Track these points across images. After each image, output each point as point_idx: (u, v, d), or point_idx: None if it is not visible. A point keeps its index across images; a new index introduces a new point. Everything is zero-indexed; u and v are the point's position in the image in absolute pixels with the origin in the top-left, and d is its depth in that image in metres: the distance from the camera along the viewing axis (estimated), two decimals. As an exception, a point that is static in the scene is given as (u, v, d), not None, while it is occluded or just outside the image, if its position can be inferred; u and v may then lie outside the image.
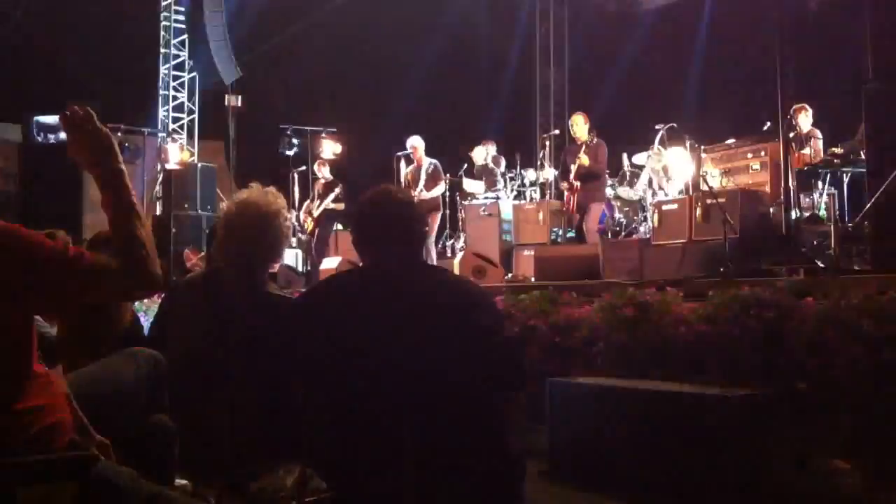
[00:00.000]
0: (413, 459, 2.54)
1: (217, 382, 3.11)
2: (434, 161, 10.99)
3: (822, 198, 8.40)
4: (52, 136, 13.43)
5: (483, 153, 12.30)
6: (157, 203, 14.40)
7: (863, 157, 7.25)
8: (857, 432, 4.14)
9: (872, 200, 5.43)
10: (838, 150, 8.43)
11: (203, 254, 11.15)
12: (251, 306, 3.20)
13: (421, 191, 10.67)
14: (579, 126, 9.94)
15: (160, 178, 14.43)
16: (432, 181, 10.86)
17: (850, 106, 7.14)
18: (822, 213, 8.28)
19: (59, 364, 2.64)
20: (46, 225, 3.84)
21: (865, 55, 5.78)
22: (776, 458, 4.19)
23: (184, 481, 3.16)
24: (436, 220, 10.93)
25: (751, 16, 12.27)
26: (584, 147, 9.76)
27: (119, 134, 13.72)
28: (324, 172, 12.35)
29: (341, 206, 12.01)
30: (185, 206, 12.54)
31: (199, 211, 12.48)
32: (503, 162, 12.43)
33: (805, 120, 9.09)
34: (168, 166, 13.89)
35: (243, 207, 3.31)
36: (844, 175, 8.42)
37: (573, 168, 9.74)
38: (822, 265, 5.49)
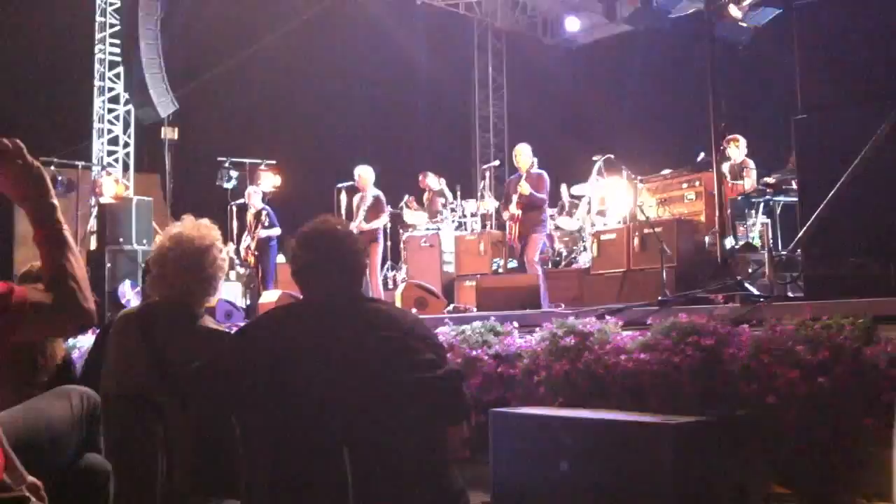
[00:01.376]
0: (355, 495, 2.51)
1: (152, 419, 3.04)
2: (377, 193, 10.92)
3: (755, 226, 8.59)
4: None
5: (436, 182, 12.43)
6: (92, 237, 14.13)
7: (794, 186, 7.43)
8: (797, 457, 4.20)
9: (804, 229, 5.55)
10: (770, 180, 8.64)
11: (138, 289, 10.96)
12: (187, 341, 3.15)
13: (360, 222, 10.60)
14: (523, 156, 9.98)
15: (94, 213, 14.17)
16: (373, 212, 10.78)
17: (780, 137, 7.33)
18: (756, 240, 8.46)
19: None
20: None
21: (794, 88, 5.92)
22: (717, 484, 4.22)
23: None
24: (376, 252, 10.84)
25: (683, 49, 12.55)
26: (524, 176, 9.81)
27: (52, 167, 13.46)
28: (254, 201, 12.21)
29: (276, 231, 11.89)
30: (121, 240, 12.31)
31: (135, 245, 12.26)
32: (447, 193, 12.53)
33: (737, 151, 9.31)
34: (103, 200, 13.65)
35: (177, 241, 3.26)
36: (777, 204, 8.63)
37: (515, 198, 9.79)
38: (756, 293, 5.59)
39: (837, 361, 4.00)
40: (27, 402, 2.94)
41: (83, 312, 2.15)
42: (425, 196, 12.72)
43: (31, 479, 2.35)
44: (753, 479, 4.31)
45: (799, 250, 5.79)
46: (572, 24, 16.63)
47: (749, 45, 11.63)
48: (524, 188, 9.63)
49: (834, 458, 4.08)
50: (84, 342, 6.37)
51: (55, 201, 2.22)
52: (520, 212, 9.71)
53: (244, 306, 11.43)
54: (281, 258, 12.09)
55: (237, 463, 2.74)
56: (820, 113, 5.75)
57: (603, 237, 8.35)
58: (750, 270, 6.91)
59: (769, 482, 4.32)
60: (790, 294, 5.94)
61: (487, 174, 11.98)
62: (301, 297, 2.91)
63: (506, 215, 9.99)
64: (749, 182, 9.00)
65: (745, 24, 9.06)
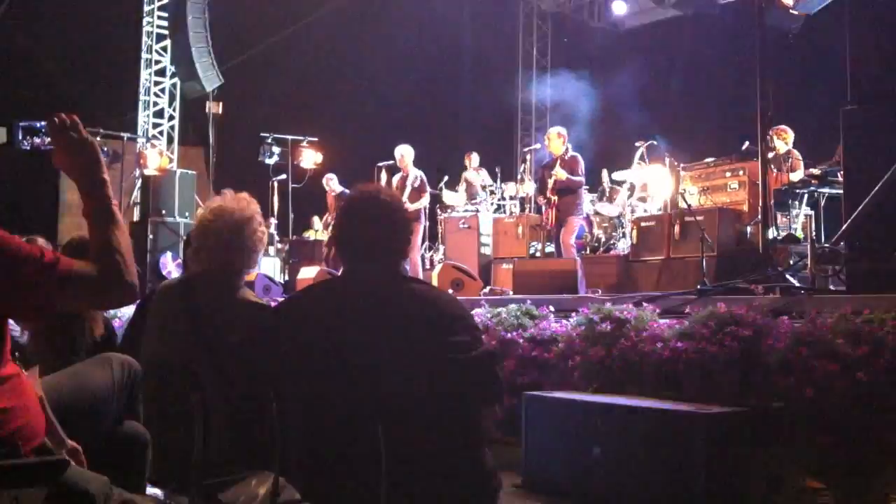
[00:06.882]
0: (387, 472, 2.53)
1: (191, 389, 3.08)
2: (420, 173, 10.92)
3: (798, 217, 8.48)
4: (37, 140, 13.31)
5: (476, 161, 12.43)
6: (135, 209, 14.31)
7: (840, 178, 7.32)
8: (832, 451, 4.16)
9: (848, 222, 5.48)
10: (816, 171, 8.51)
11: (179, 261, 11.10)
12: (226, 313, 3.18)
13: (405, 202, 10.58)
14: (553, 141, 9.93)
15: (138, 184, 14.36)
16: (417, 193, 10.80)
17: (828, 128, 7.22)
18: (799, 232, 8.35)
19: (34, 367, 2.62)
20: (22, 227, 3.81)
21: (844, 77, 5.83)
22: (750, 476, 4.20)
23: (156, 490, 3.13)
24: (418, 232, 10.88)
25: (731, 36, 12.39)
26: (559, 161, 9.74)
27: (98, 138, 13.63)
28: (332, 185, 12.36)
29: None
30: (163, 212, 12.46)
31: (177, 217, 12.40)
32: (486, 174, 12.51)
33: (783, 143, 9.16)
34: (147, 172, 13.81)
35: (217, 214, 3.28)
36: (821, 196, 8.50)
37: (550, 182, 9.73)
38: (797, 285, 5.53)
39: (877, 356, 3.96)
40: (69, 368, 2.99)
41: (126, 286, 2.18)
42: (465, 174, 12.72)
43: (71, 443, 2.40)
44: (787, 472, 4.28)
45: (842, 243, 5.71)
46: (619, 8, 16.46)
47: (799, 34, 11.43)
48: (560, 174, 9.56)
49: (869, 454, 4.04)
50: (126, 311, 6.46)
51: (106, 176, 2.26)
52: (555, 197, 9.65)
53: (282, 281, 11.54)
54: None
55: (272, 435, 2.77)
56: (869, 104, 5.66)
57: (643, 224, 8.30)
58: (791, 262, 6.84)
59: (803, 475, 4.29)
60: (832, 287, 5.88)
61: (528, 157, 11.93)
62: (338, 273, 2.91)
63: (541, 200, 9.94)
64: (797, 173, 8.87)
65: (796, 12, 8.89)
